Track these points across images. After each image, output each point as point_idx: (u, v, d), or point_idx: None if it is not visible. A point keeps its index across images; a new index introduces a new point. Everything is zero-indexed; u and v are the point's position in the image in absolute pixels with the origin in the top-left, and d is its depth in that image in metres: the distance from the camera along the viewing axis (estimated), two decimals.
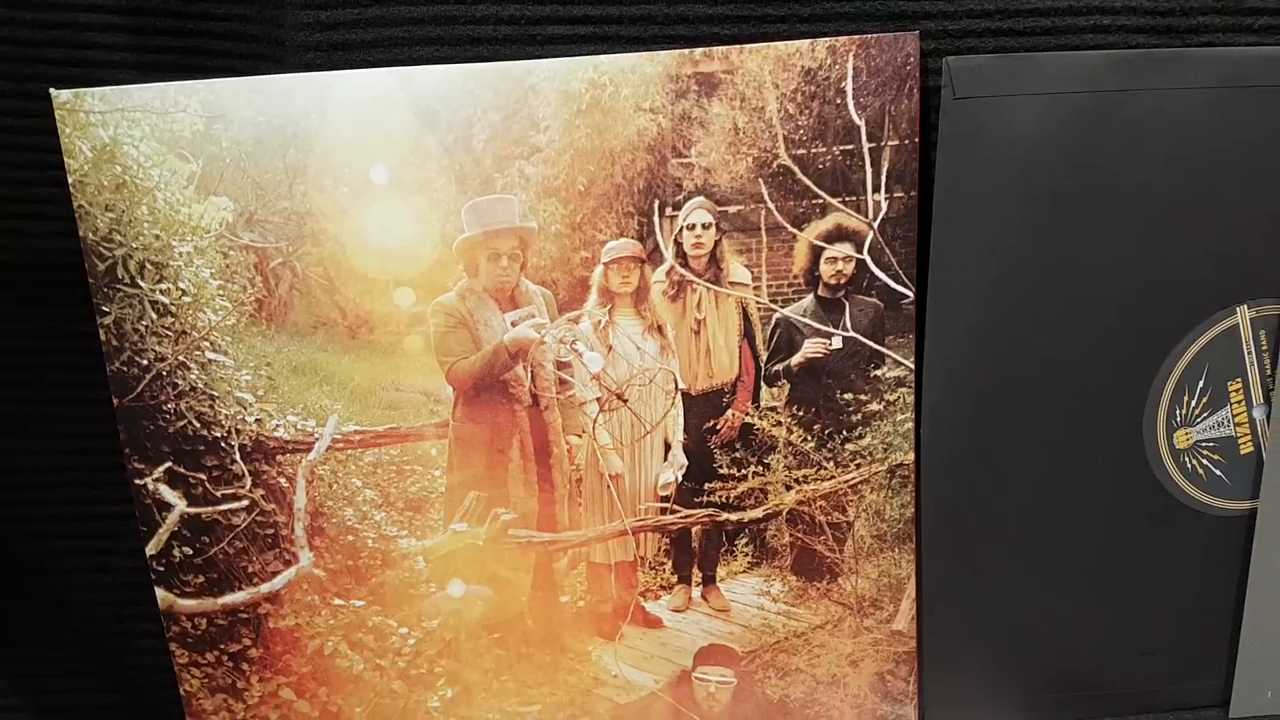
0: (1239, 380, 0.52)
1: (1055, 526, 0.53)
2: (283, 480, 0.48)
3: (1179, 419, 0.52)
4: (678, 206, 0.47)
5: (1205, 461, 0.53)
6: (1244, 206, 0.49)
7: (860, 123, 0.47)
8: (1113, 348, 0.51)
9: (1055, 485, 0.52)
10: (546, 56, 0.45)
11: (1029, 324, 0.50)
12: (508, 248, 0.46)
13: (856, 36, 0.46)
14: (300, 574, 0.49)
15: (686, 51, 0.45)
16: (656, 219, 0.47)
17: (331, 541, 0.49)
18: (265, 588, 0.49)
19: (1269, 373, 0.52)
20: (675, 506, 0.51)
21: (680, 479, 0.51)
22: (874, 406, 0.50)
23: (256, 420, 0.47)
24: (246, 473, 0.48)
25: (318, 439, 0.47)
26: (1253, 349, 0.52)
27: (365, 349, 0.47)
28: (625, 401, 0.49)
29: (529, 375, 0.48)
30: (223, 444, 0.47)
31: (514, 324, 0.47)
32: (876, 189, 0.48)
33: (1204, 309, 0.51)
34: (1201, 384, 0.52)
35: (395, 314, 0.46)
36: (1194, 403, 0.52)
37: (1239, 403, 0.52)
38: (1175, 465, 0.53)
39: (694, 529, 0.51)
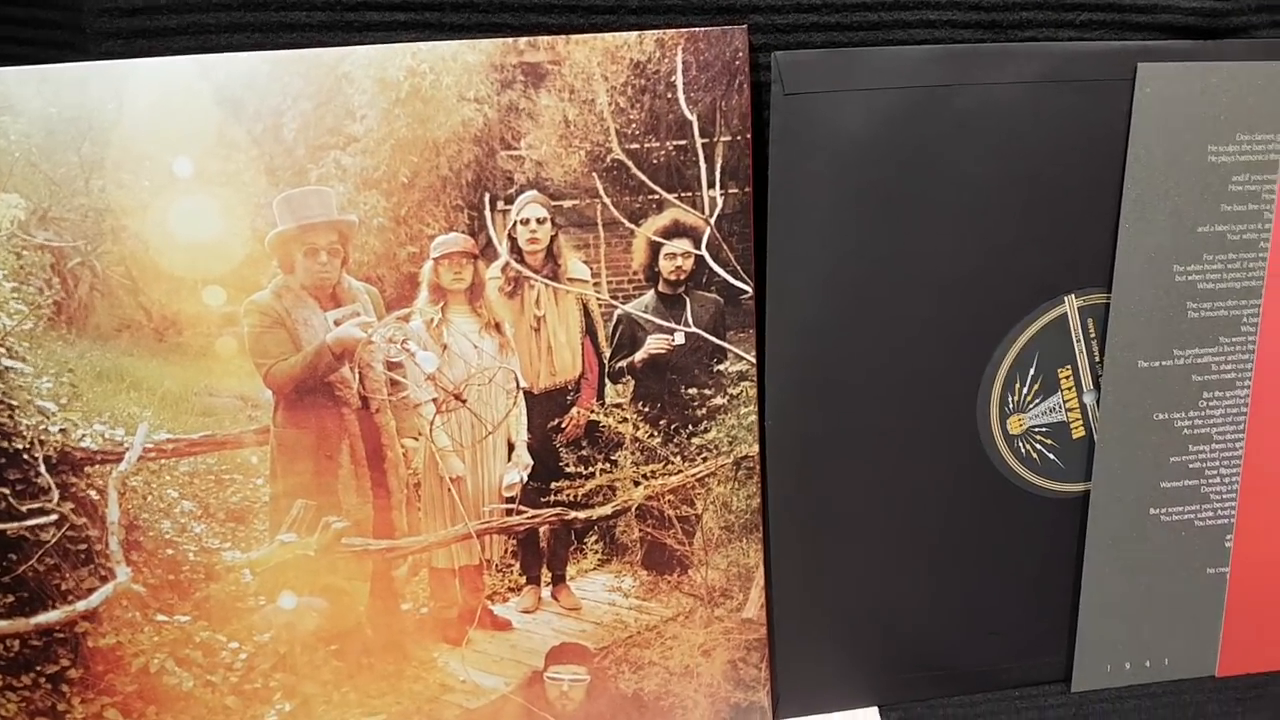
0: (1069, 367, 0.54)
1: (897, 512, 0.54)
2: (93, 493, 0.45)
3: (1012, 405, 0.54)
4: (510, 200, 0.46)
5: (1039, 446, 0.55)
6: (1068, 197, 0.51)
7: (692, 118, 0.46)
8: (946, 337, 0.52)
9: (896, 471, 0.53)
10: (364, 44, 0.43)
11: (865, 315, 0.51)
12: (326, 242, 0.45)
13: (685, 30, 0.45)
14: (118, 590, 0.46)
15: (511, 40, 0.44)
16: (488, 213, 0.46)
17: (150, 556, 0.46)
18: (81, 605, 0.46)
19: (1098, 360, 0.53)
20: (521, 507, 0.50)
21: (525, 479, 0.50)
22: (718, 401, 0.50)
23: (61, 430, 0.44)
24: (53, 486, 0.45)
25: (128, 449, 0.45)
26: (1081, 337, 0.53)
27: (174, 352, 0.44)
28: (464, 402, 0.48)
29: (357, 377, 0.47)
30: (25, 456, 0.44)
31: (337, 323, 0.46)
32: (711, 185, 0.47)
33: (1033, 298, 0.52)
34: (1033, 371, 0.53)
35: (205, 314, 0.44)
36: (1026, 389, 0.54)
37: (1070, 389, 0.54)
38: (1010, 450, 0.54)
39: (542, 529, 0.50)
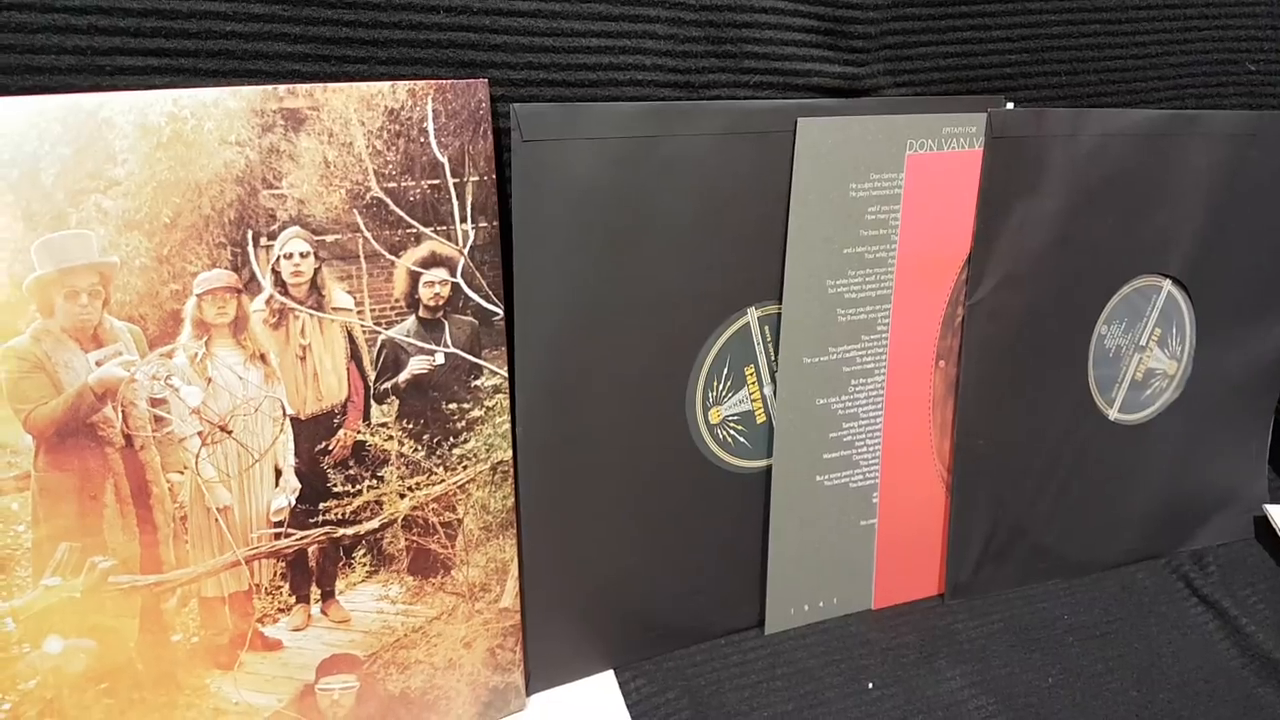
0: (753, 366, 0.64)
1: (626, 496, 0.62)
2: None
3: (711, 399, 0.64)
4: (273, 236, 0.48)
5: (732, 431, 0.65)
6: (748, 228, 0.60)
7: (444, 160, 0.51)
8: (660, 346, 0.60)
9: (625, 464, 0.61)
10: (117, 88, 0.43)
11: (597, 331, 0.58)
12: (86, 285, 0.44)
13: (433, 81, 0.50)
14: None
15: (271, 88, 0.46)
16: (251, 249, 0.48)
17: None
18: None
19: (773, 359, 0.64)
20: (289, 530, 0.52)
21: (293, 503, 0.52)
22: (476, 413, 0.56)
23: None
24: None
25: None
26: (761, 341, 0.64)
27: None
28: (229, 433, 0.49)
29: (120, 415, 0.46)
30: None
31: (99, 363, 0.45)
32: (464, 219, 0.53)
33: (724, 311, 0.62)
34: (726, 371, 0.63)
35: None
36: (721, 386, 0.64)
37: (754, 383, 0.65)
38: (711, 437, 0.64)
39: (310, 549, 0.53)
